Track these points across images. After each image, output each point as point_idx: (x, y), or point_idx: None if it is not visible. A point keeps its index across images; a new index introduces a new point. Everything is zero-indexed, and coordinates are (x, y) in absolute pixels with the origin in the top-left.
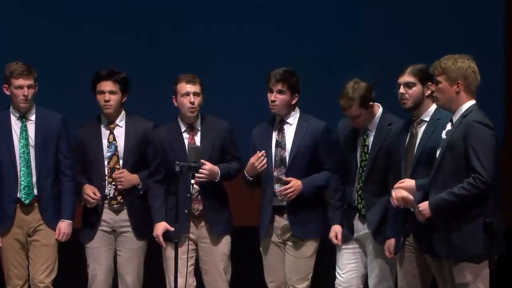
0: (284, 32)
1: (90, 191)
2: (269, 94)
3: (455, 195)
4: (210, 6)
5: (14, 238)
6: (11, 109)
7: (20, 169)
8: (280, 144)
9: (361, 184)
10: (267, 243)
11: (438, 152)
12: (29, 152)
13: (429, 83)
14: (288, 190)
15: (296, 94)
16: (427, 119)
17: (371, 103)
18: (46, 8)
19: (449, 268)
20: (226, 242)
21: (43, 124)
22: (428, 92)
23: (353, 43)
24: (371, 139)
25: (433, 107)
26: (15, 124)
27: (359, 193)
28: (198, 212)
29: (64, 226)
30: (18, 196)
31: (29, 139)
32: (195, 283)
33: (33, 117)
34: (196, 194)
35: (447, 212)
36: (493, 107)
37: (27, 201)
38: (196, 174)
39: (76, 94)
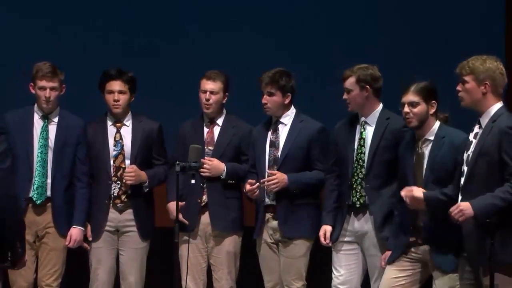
0: (283, 33)
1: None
2: (262, 97)
3: (501, 199)
4: (210, 7)
5: None
6: (35, 107)
7: (36, 168)
8: (274, 144)
9: (359, 179)
10: (261, 243)
11: (465, 156)
12: (47, 153)
13: (433, 101)
14: (271, 182)
15: (289, 94)
16: (432, 138)
17: (367, 87)
18: (55, 7)
19: (475, 271)
20: (232, 241)
21: (64, 127)
22: (433, 110)
23: (352, 44)
24: (369, 133)
25: (437, 125)
26: (37, 123)
27: (354, 186)
28: (203, 203)
29: (76, 233)
30: (30, 195)
31: (49, 140)
32: (204, 281)
33: (56, 119)
34: (204, 185)
35: (491, 215)
36: None
37: (38, 201)
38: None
39: (76, 93)
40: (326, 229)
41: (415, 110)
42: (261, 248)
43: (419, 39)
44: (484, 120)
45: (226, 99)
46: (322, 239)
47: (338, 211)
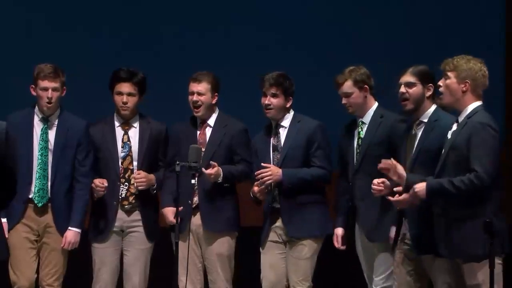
0: (283, 33)
1: (97, 181)
2: (263, 98)
3: (454, 185)
4: (210, 8)
5: (24, 237)
6: (36, 109)
7: (37, 171)
8: (277, 148)
9: (354, 174)
10: (265, 242)
11: (443, 152)
12: (47, 155)
13: (430, 84)
14: (265, 174)
15: (290, 97)
16: (426, 120)
17: (366, 86)
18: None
19: (456, 267)
20: (224, 242)
21: (64, 129)
22: (429, 93)
23: (352, 44)
24: (365, 132)
25: (432, 108)
26: (37, 125)
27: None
28: (194, 204)
29: (71, 235)
30: (31, 197)
31: (49, 142)
32: (201, 281)
33: (56, 121)
34: (195, 186)
35: (440, 199)
36: (493, 107)
37: (40, 204)
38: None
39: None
40: (337, 233)
41: (411, 91)
42: (266, 247)
43: (419, 39)
44: (461, 118)
45: (216, 99)
46: (335, 243)
47: (348, 213)
